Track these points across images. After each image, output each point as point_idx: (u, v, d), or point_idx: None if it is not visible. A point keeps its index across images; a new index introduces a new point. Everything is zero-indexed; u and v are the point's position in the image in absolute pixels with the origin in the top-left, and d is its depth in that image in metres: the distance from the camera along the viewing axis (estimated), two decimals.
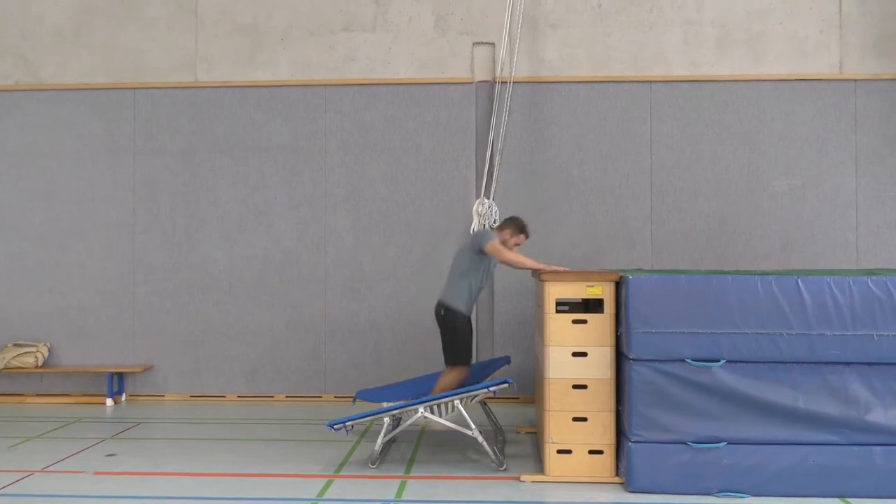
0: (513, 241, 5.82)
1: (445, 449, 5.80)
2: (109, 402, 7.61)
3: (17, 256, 7.96)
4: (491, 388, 5.26)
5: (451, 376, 5.68)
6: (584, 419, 4.90)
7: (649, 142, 7.68)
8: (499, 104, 7.65)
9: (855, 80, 7.58)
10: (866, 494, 4.54)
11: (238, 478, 5.09)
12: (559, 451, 4.92)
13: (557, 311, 4.98)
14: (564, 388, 4.92)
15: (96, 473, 5.19)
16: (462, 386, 5.58)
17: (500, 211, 7.61)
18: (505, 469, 5.17)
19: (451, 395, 5.30)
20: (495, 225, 7.64)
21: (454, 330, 5.69)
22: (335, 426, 5.31)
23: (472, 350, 5.88)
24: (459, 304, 5.68)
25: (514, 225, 5.86)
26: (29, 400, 7.81)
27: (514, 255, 5.64)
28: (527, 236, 5.91)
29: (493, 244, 5.62)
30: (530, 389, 6.83)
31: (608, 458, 4.90)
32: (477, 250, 5.69)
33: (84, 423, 6.82)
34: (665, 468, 4.63)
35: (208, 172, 7.90)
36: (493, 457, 5.23)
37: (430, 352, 7.63)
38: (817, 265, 7.38)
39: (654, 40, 7.71)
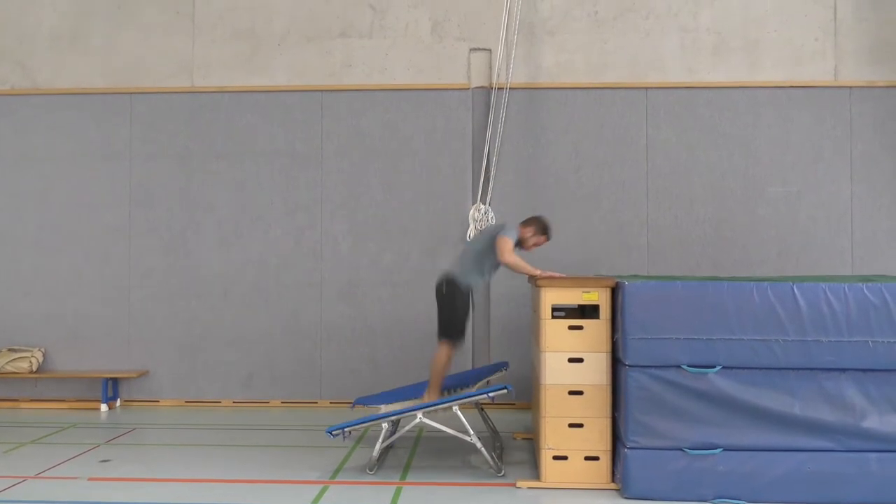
0: (533, 240, 5.78)
1: (442, 455, 5.79)
2: (104, 407, 7.59)
3: (12, 261, 7.94)
4: (490, 395, 5.26)
5: (444, 352, 5.63)
6: (581, 425, 4.90)
7: (645, 148, 7.69)
8: (495, 110, 7.66)
9: (850, 88, 7.61)
10: (862, 501, 4.53)
11: (233, 484, 5.07)
12: (555, 458, 4.91)
13: (553, 317, 4.99)
14: (560, 394, 4.91)
15: (90, 479, 5.17)
16: (451, 360, 5.58)
17: (497, 216, 7.62)
18: (503, 475, 5.16)
19: (449, 402, 5.29)
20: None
21: (453, 304, 5.63)
22: (333, 432, 5.30)
23: (467, 329, 5.80)
24: (465, 281, 5.64)
25: (538, 225, 5.81)
26: (23, 405, 7.78)
27: (513, 258, 5.54)
28: (548, 238, 5.86)
29: (504, 240, 5.54)
30: (527, 395, 6.82)
31: (604, 465, 4.89)
32: (494, 239, 5.66)
33: (78, 429, 6.80)
34: (661, 475, 4.63)
35: (205, 177, 7.90)
36: (491, 463, 5.22)
37: (426, 357, 7.59)
38: (813, 272, 7.39)
39: (650, 47, 7.73)
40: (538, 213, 6.06)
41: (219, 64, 7.93)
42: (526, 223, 5.84)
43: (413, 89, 7.81)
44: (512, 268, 5.62)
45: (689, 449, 4.62)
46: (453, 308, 5.65)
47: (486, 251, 5.72)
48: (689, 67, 7.71)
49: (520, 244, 5.76)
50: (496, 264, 5.77)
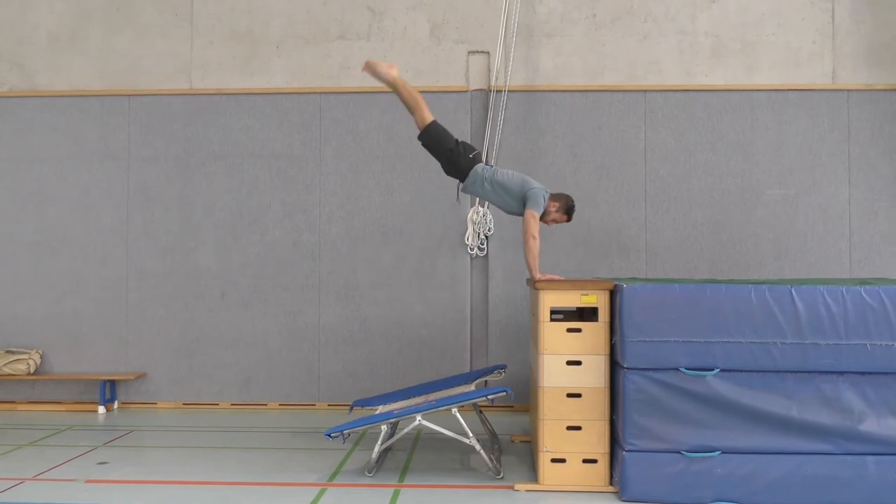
0: (554, 215, 5.65)
1: (440, 457, 5.79)
2: (101, 409, 7.58)
3: (9, 262, 7.93)
4: (489, 397, 5.26)
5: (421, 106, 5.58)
6: (578, 428, 4.91)
7: (643, 151, 7.71)
8: (493, 112, 7.67)
9: (848, 91, 7.62)
10: None
11: (231, 486, 5.07)
12: (553, 460, 4.92)
13: (552, 320, 4.99)
14: (558, 397, 4.92)
15: (88, 481, 5.17)
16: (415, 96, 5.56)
17: (495, 219, 7.62)
18: (501, 477, 5.16)
19: (448, 403, 5.29)
20: (491, 233, 7.66)
21: (438, 145, 5.61)
22: (332, 434, 5.30)
23: (462, 145, 5.74)
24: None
25: (564, 203, 5.67)
26: (20, 407, 7.76)
27: (535, 245, 5.34)
28: (569, 219, 5.76)
29: (534, 215, 5.40)
30: (525, 398, 6.83)
31: (602, 467, 4.90)
32: (519, 198, 5.52)
33: (76, 431, 6.79)
34: (659, 477, 4.64)
35: (202, 179, 7.89)
36: (490, 465, 5.22)
37: (424, 360, 7.64)
38: (811, 274, 7.41)
39: (648, 50, 7.74)
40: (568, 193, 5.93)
41: (217, 66, 7.93)
42: (555, 197, 5.67)
43: None
44: (526, 252, 5.40)
45: (687, 452, 4.63)
46: (439, 146, 5.60)
47: (496, 186, 5.57)
48: (687, 70, 7.73)
49: (541, 215, 5.58)
50: (490, 194, 5.67)
